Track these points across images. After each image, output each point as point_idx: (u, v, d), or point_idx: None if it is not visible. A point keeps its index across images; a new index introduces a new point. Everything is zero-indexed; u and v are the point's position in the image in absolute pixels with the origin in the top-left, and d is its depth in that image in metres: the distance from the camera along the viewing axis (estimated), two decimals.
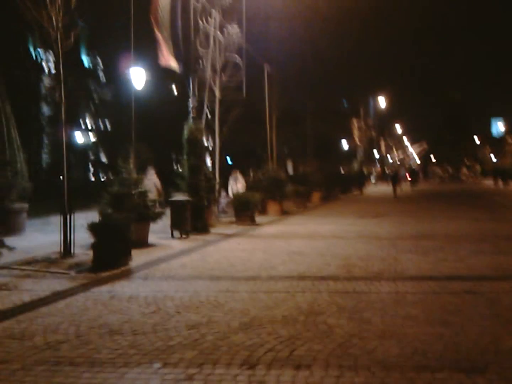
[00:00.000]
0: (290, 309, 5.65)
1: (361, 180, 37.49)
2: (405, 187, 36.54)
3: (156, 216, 10.35)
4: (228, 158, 37.81)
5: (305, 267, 8.19)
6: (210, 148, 19.98)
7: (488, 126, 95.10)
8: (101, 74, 43.03)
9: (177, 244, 10.85)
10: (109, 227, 8.12)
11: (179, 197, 11.69)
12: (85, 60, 42.50)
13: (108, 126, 43.33)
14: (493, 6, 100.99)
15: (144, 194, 10.47)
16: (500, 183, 38.58)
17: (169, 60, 12.38)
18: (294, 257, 9.15)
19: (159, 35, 12.43)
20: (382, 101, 52.42)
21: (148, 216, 10.18)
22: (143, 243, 10.22)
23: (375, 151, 72.13)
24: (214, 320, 5.28)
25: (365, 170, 49.31)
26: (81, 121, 41.27)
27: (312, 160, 40.85)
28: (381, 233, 12.59)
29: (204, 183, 12.70)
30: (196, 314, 5.52)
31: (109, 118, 42.86)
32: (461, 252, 9.46)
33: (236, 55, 13.69)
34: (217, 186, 14.95)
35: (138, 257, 8.99)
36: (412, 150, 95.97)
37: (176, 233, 11.82)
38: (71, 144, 38.58)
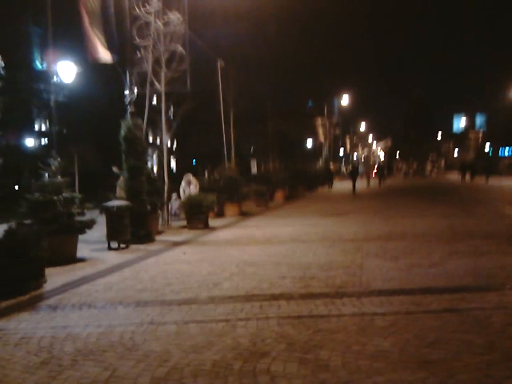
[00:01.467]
0: (225, 350, 4.30)
1: (329, 177, 36.57)
2: (372, 183, 35.82)
3: (83, 227, 8.83)
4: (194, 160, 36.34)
5: (255, 282, 6.86)
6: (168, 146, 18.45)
7: (449, 122, 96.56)
8: (52, 74, 40.83)
9: (112, 258, 9.34)
10: (14, 244, 6.60)
11: (114, 202, 10.17)
12: (37, 61, 40.33)
13: (59, 129, 41.30)
14: (461, 5, 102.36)
15: (70, 200, 8.93)
16: (468, 177, 38.26)
17: (99, 53, 10.85)
18: (244, 269, 7.81)
19: (87, 23, 10.88)
20: (346, 99, 51.67)
21: (73, 227, 8.66)
22: (69, 259, 8.69)
23: (342, 149, 71.92)
24: (118, 374, 3.88)
25: (332, 167, 48.60)
26: (36, 125, 39.27)
27: (275, 159, 39.80)
28: (345, 234, 11.40)
29: (146, 186, 11.21)
30: (97, 364, 4.10)
31: (60, 120, 40.85)
32: (434, 255, 8.34)
33: (180, 46, 12.21)
34: (166, 189, 13.50)
35: (57, 277, 7.48)
36: (377, 147, 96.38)
37: (115, 244, 10.32)
38: (21, 148, 36.35)
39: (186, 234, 12.41)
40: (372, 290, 6.20)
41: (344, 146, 72.67)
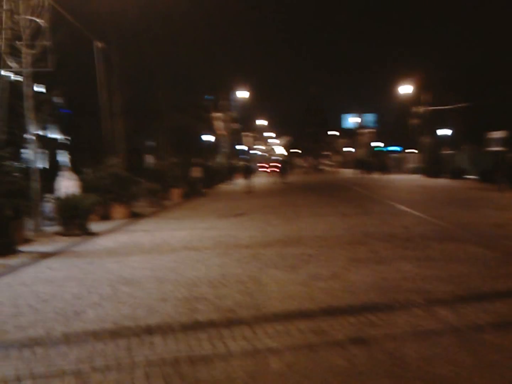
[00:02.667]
0: None
1: (231, 172, 35.93)
2: (272, 179, 35.57)
3: None
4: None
5: (128, 309, 5.61)
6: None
7: (341, 120, 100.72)
8: None
9: None
10: None
11: None
12: None
13: None
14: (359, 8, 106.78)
15: None
16: (365, 173, 39.74)
17: None
18: (120, 290, 6.50)
19: None
20: (243, 94, 51.27)
21: None
22: None
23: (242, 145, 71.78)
24: None
25: (234, 163, 47.99)
26: None
27: (174, 154, 38.24)
28: (242, 238, 10.46)
29: (5, 186, 9.37)
30: None
31: None
32: (335, 263, 7.65)
33: (38, 19, 10.37)
34: (35, 188, 11.62)
35: None
36: (277, 142, 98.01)
37: None
38: None
39: (60, 243, 10.69)
40: (267, 314, 5.25)
41: (243, 141, 72.52)
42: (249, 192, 25.95)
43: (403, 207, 15.49)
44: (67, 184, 13.60)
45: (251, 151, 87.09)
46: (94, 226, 12.80)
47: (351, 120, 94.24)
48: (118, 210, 15.33)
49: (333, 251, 8.67)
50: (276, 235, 10.82)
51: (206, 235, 11.12)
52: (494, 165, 24.71)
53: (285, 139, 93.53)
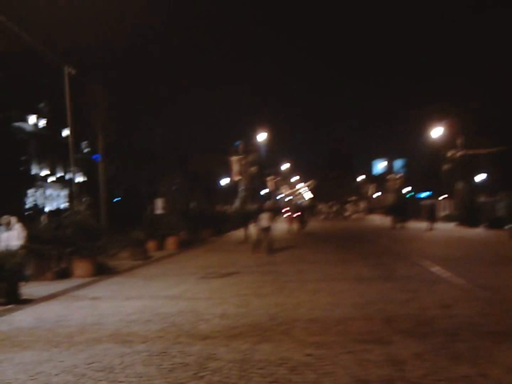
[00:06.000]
0: None
1: (246, 219, 29.94)
2: (292, 226, 31.51)
3: None
4: None
5: None
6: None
7: (369, 165, 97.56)
8: None
9: None
10: None
11: None
12: None
13: None
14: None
15: None
16: (395, 220, 33.02)
17: None
18: None
19: None
20: (264, 136, 48.85)
21: None
22: None
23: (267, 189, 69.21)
24: None
25: (251, 208, 43.99)
26: None
27: (190, 198, 35.64)
28: (207, 320, 7.30)
29: None
30: None
31: None
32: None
33: None
34: None
35: None
36: (300, 186, 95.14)
37: None
38: None
39: None
40: None
41: (266, 185, 69.93)
42: (245, 242, 22.23)
43: (439, 269, 12.05)
44: (8, 236, 10.87)
45: (276, 196, 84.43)
46: (37, 289, 9.99)
47: (379, 165, 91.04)
48: (81, 266, 12.45)
49: (331, 358, 5.43)
50: (258, 314, 7.64)
51: (161, 311, 8.02)
52: None
53: (309, 183, 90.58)
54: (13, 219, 11.02)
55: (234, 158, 44.90)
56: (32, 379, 5.00)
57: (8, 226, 10.86)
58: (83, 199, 13.82)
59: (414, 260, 14.23)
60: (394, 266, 12.88)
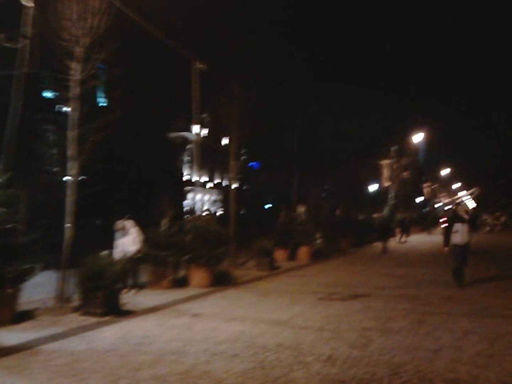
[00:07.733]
0: None
1: (385, 229, 26.91)
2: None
3: None
4: None
5: None
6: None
7: None
8: None
9: None
10: None
11: None
12: None
13: None
14: None
15: None
16: None
17: None
18: None
19: None
20: (420, 137, 44.70)
21: None
22: None
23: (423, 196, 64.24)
24: None
25: (400, 216, 40.22)
26: None
27: (324, 205, 34.08)
28: (310, 365, 5.68)
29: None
30: None
31: None
32: None
33: None
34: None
35: None
36: (462, 194, 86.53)
37: None
38: None
39: (53, 328, 7.32)
40: None
41: (422, 191, 64.74)
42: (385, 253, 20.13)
43: None
44: (124, 241, 10.52)
45: (436, 204, 77.91)
46: (147, 298, 9.46)
47: None
48: (198, 275, 11.70)
49: None
50: (377, 362, 5.71)
51: (257, 342, 6.56)
52: None
53: (472, 191, 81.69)
54: (128, 224, 10.64)
55: (384, 162, 42.01)
56: None
57: (123, 230, 10.50)
58: (204, 213, 13.27)
59: None
60: None
